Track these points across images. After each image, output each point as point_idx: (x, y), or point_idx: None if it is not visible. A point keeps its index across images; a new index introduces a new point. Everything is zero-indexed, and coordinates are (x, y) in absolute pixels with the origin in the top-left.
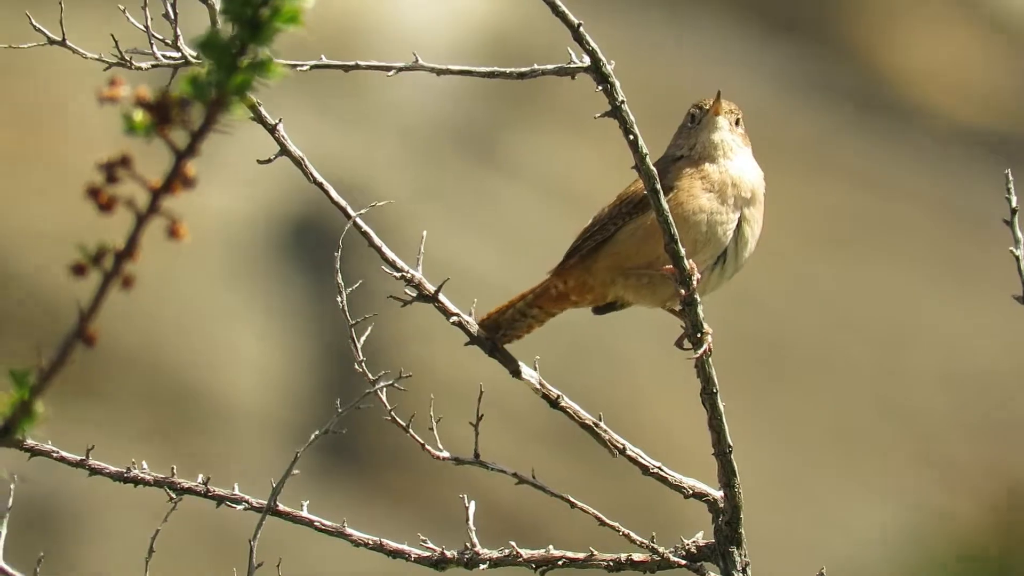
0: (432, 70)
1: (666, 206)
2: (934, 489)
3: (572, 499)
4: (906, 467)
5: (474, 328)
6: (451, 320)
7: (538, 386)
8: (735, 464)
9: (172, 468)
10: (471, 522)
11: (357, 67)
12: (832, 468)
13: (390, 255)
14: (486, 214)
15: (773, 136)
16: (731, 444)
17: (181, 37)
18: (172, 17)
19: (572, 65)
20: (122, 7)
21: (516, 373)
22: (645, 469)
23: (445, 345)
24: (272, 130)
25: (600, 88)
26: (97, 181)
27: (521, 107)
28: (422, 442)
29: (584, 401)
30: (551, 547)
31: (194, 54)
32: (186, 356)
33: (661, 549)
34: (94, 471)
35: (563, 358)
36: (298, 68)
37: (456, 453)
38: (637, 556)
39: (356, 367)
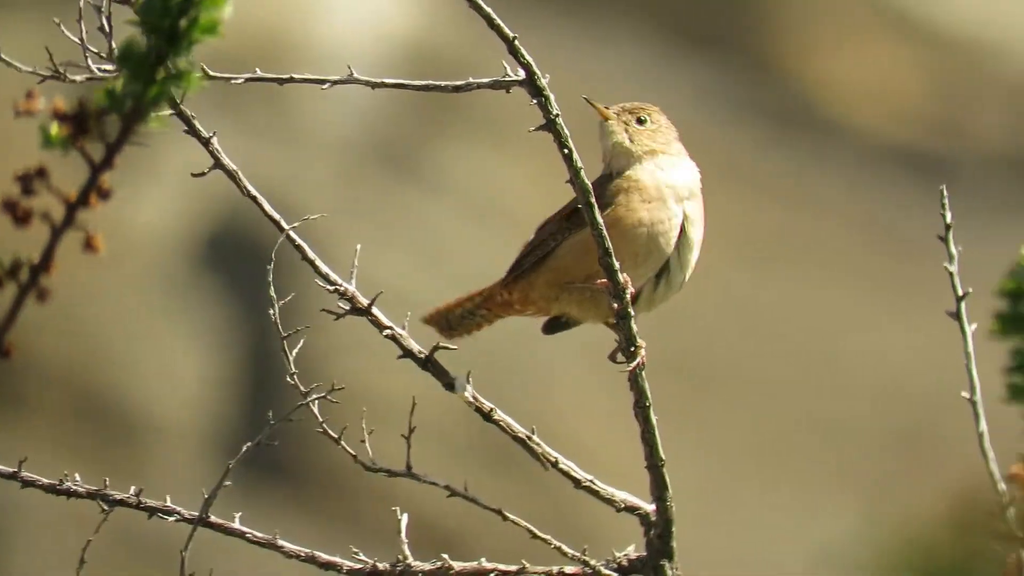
0: (367, 83)
1: (600, 219)
2: (860, 502)
3: (504, 512)
4: (832, 481)
5: (407, 341)
6: (384, 333)
7: (471, 399)
8: (667, 477)
9: (104, 480)
10: (403, 535)
11: (292, 80)
12: (760, 482)
13: (324, 268)
14: (411, 230)
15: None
16: (663, 457)
17: (116, 50)
18: (107, 30)
19: (507, 78)
20: (57, 20)
21: (449, 386)
22: (577, 482)
23: (376, 359)
24: (206, 143)
25: (535, 101)
26: (13, 194)
27: (446, 123)
28: (354, 454)
29: (514, 415)
30: (483, 560)
31: None
32: (113, 370)
33: (593, 562)
34: (27, 483)
35: (495, 372)
36: (232, 81)
37: (388, 466)
38: (569, 569)
39: (288, 379)
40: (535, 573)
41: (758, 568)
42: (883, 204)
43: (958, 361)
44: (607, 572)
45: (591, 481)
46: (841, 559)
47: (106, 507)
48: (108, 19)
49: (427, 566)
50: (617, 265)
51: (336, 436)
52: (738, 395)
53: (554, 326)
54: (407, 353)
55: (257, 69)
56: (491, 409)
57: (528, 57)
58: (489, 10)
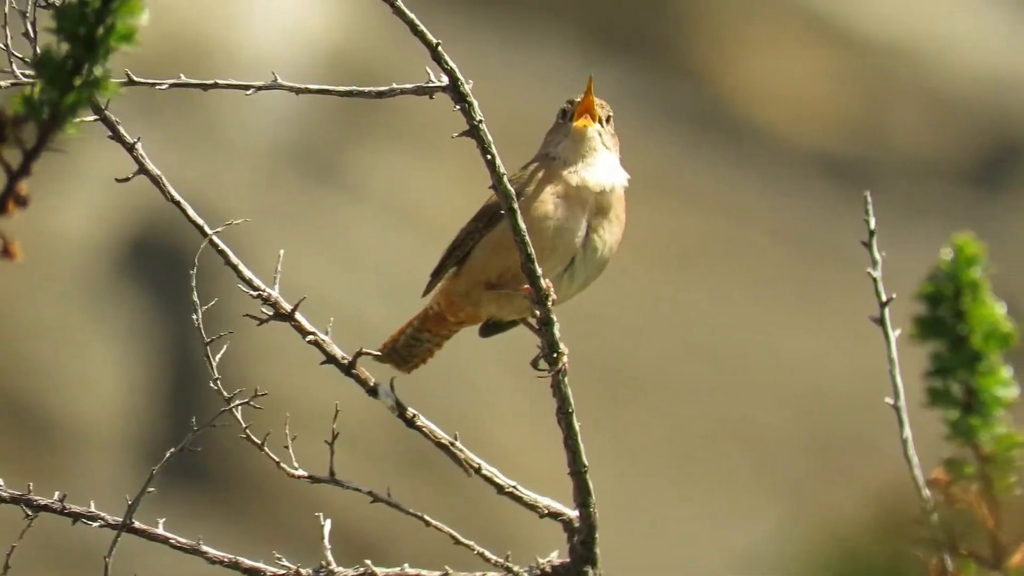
0: (291, 89)
1: (523, 225)
2: (777, 506)
3: (427, 518)
4: (750, 485)
5: (330, 347)
6: (307, 339)
7: (394, 405)
8: (590, 484)
9: (28, 485)
10: (327, 540)
11: (216, 86)
12: (683, 487)
13: (247, 273)
14: (333, 236)
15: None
16: (586, 464)
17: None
18: (32, 36)
19: (430, 84)
20: None
21: (372, 392)
22: (500, 488)
23: (298, 364)
24: (131, 149)
25: (458, 107)
26: None
27: (369, 129)
28: (277, 460)
29: (439, 421)
30: (406, 566)
31: None
32: (36, 376)
33: (516, 568)
34: None
35: (417, 379)
36: (157, 86)
37: (311, 472)
38: (492, 575)
39: (211, 385)
40: None
41: (680, 573)
42: (802, 209)
43: (877, 365)
44: None
45: (514, 487)
46: (759, 563)
47: (30, 512)
48: (33, 25)
49: (350, 572)
50: (540, 271)
51: (259, 442)
52: (660, 400)
53: (490, 328)
54: (330, 359)
55: (182, 75)
56: (414, 415)
57: (451, 63)
58: (412, 16)
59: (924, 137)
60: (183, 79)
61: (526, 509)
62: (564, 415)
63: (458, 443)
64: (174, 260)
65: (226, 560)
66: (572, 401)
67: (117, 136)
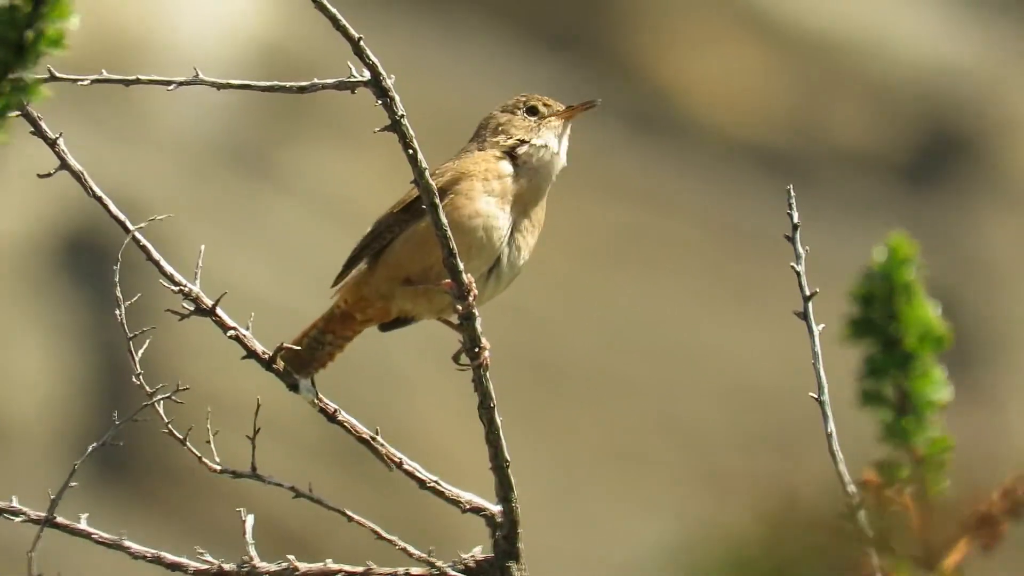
0: (212, 84)
1: (444, 220)
2: (710, 501)
3: (349, 513)
4: (682, 480)
5: (251, 341)
6: (228, 334)
7: (315, 400)
8: (512, 478)
9: None
10: (249, 536)
11: (138, 81)
12: (609, 482)
13: (168, 269)
14: (260, 230)
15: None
16: (508, 459)
17: None
18: None
19: (352, 79)
20: None
21: (293, 387)
22: (422, 483)
23: (222, 360)
24: (52, 144)
25: (380, 102)
26: None
27: (296, 123)
28: (199, 455)
29: (361, 416)
30: (329, 561)
31: None
32: None
33: (439, 563)
34: None
35: (341, 373)
36: (79, 82)
37: (233, 467)
38: (415, 570)
39: (134, 380)
40: (381, 574)
41: (606, 567)
42: (738, 204)
43: (808, 360)
44: (453, 573)
45: (436, 482)
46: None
47: None
48: None
49: (273, 567)
50: (461, 266)
51: (181, 437)
52: (590, 395)
53: (391, 323)
54: (251, 354)
55: (104, 71)
56: (335, 410)
57: (373, 58)
58: (334, 11)
59: (861, 131)
60: (105, 75)
61: (449, 504)
62: (486, 410)
63: (379, 438)
64: (104, 255)
65: (148, 555)
66: (494, 396)
67: (39, 132)
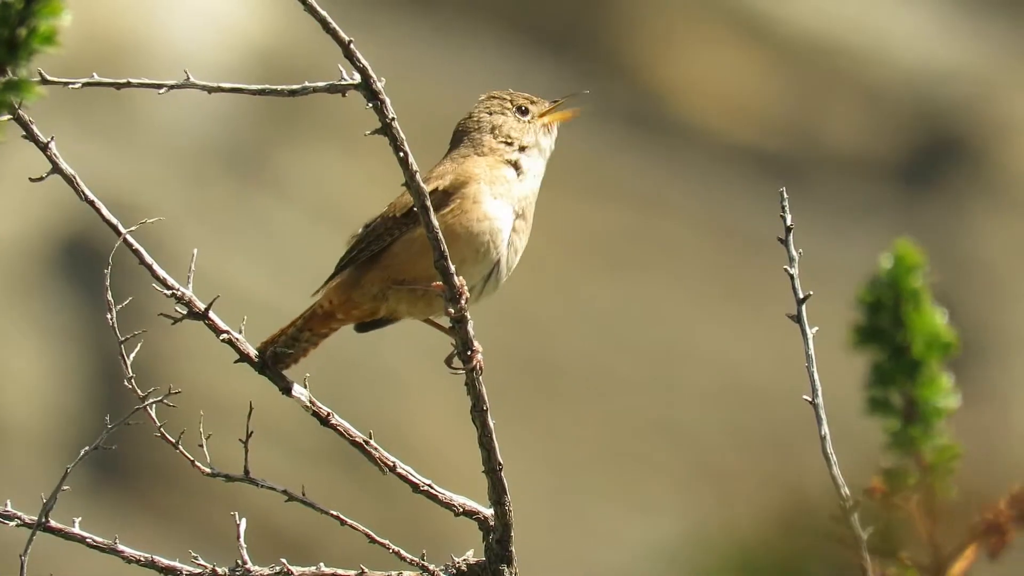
0: (203, 88)
1: (436, 223)
2: (709, 501)
3: (342, 516)
4: (681, 481)
5: (244, 345)
6: (221, 338)
7: (308, 404)
8: (505, 482)
9: None
10: (242, 539)
11: (129, 85)
12: (604, 483)
13: (160, 272)
14: (256, 233)
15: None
16: (501, 462)
17: None
18: None
19: (343, 82)
20: None
21: (286, 391)
22: (415, 487)
23: (216, 363)
24: (44, 148)
25: (370, 105)
26: None
27: (291, 126)
28: (192, 458)
29: (355, 419)
30: (322, 564)
31: None
32: None
33: (431, 567)
34: None
35: (334, 376)
36: (70, 85)
37: (227, 470)
38: (408, 574)
39: (126, 383)
40: None
41: (603, 570)
42: (733, 207)
43: (804, 362)
44: None
45: (429, 485)
46: (670, 560)
47: None
48: None
49: (266, 571)
50: (453, 268)
51: (174, 440)
52: (584, 397)
53: (368, 324)
54: (244, 358)
55: (95, 74)
56: (328, 414)
57: (363, 61)
58: (324, 13)
59: (856, 134)
60: (96, 78)
61: (442, 508)
62: (479, 413)
63: (372, 442)
64: (101, 258)
65: (142, 559)
66: (487, 399)
67: (31, 135)
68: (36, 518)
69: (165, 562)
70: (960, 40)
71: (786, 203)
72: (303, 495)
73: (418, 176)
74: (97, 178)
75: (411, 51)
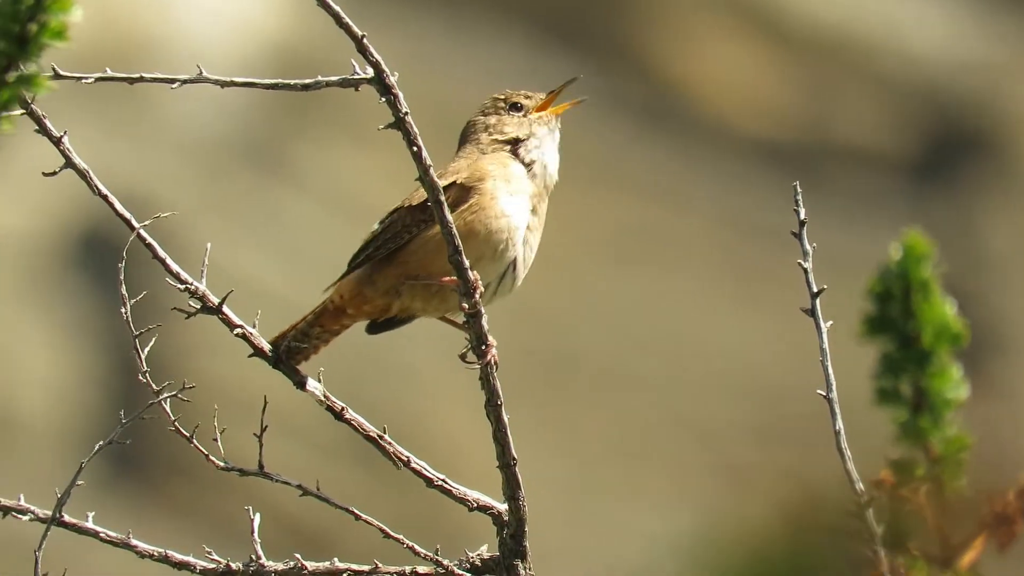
0: (216, 82)
1: (450, 218)
2: (724, 494)
3: (356, 511)
4: (696, 474)
5: (258, 340)
6: (235, 332)
7: (322, 398)
8: (520, 477)
9: None
10: (256, 534)
11: (142, 79)
12: (619, 478)
13: (174, 267)
14: (271, 227)
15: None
16: (516, 457)
17: None
18: None
19: (356, 76)
20: None
21: (300, 385)
22: (429, 481)
23: (230, 357)
24: (57, 142)
25: (384, 100)
26: None
27: (308, 120)
28: (206, 453)
29: (371, 414)
30: (336, 559)
31: None
32: None
33: (445, 562)
34: None
35: (350, 370)
36: (83, 80)
37: (241, 464)
38: (422, 569)
39: (140, 378)
40: (388, 573)
41: (618, 564)
42: (748, 200)
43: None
44: (460, 572)
45: (443, 480)
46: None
47: None
48: None
49: (279, 565)
50: (467, 263)
51: (188, 434)
52: (599, 391)
53: (379, 326)
54: (257, 352)
55: (108, 69)
56: (343, 408)
57: (376, 55)
58: (337, 8)
59: (870, 127)
60: (109, 73)
61: (456, 502)
62: (493, 408)
63: (386, 436)
64: (115, 253)
65: (156, 554)
66: (501, 394)
67: (44, 130)
68: (50, 512)
69: (179, 557)
70: (973, 33)
71: (799, 197)
72: (317, 489)
73: (432, 171)
74: (113, 172)
75: (426, 45)
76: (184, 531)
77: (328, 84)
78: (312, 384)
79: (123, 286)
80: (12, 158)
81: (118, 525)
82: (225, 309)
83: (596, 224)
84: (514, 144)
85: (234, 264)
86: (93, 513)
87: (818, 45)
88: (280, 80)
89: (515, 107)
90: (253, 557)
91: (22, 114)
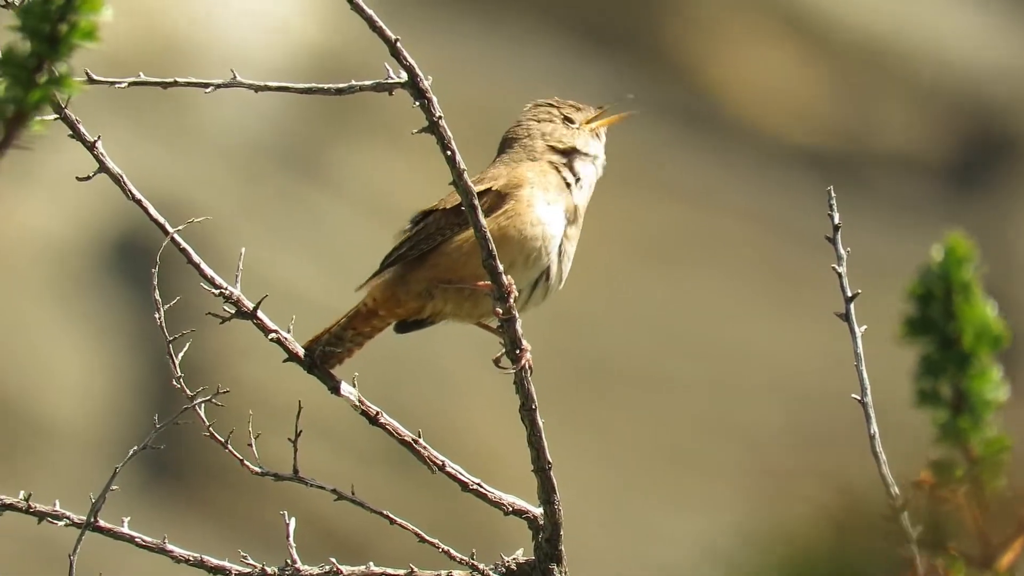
0: (250, 87)
1: (484, 222)
2: (764, 498)
3: (392, 515)
4: (733, 480)
5: (292, 344)
6: (270, 337)
7: (357, 403)
8: (555, 481)
9: None
10: (291, 538)
11: (176, 84)
12: (656, 482)
13: (208, 272)
14: (307, 231)
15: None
16: (551, 461)
17: None
18: None
19: (389, 81)
20: None
21: (335, 390)
22: (464, 486)
23: (265, 362)
24: (91, 147)
25: (417, 104)
26: None
27: (344, 124)
28: (240, 458)
29: (405, 418)
30: (371, 564)
31: None
32: (6, 374)
33: (481, 566)
34: None
35: (384, 375)
36: (116, 85)
37: (276, 469)
38: (457, 573)
39: (174, 383)
40: None
41: (655, 570)
42: (786, 205)
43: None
44: None
45: (478, 484)
46: (722, 559)
47: None
48: None
49: (315, 570)
50: (501, 268)
51: (223, 439)
52: (637, 396)
53: (408, 326)
54: (292, 357)
55: (141, 73)
56: (377, 413)
57: (410, 59)
58: (371, 12)
59: (907, 132)
60: (142, 77)
61: (491, 507)
62: (527, 412)
63: (421, 440)
64: (153, 257)
65: (191, 559)
66: (535, 398)
67: (77, 135)
68: (85, 518)
69: (214, 562)
70: (1010, 38)
71: (834, 201)
72: (352, 494)
73: (466, 175)
74: (149, 177)
75: (461, 49)
76: (219, 536)
77: (362, 88)
78: (346, 388)
79: (156, 291)
80: (47, 162)
81: (153, 530)
82: (260, 314)
83: (633, 227)
84: (570, 154)
85: (269, 268)
86: (128, 518)
87: (856, 50)
88: (314, 84)
89: (567, 120)
90: (288, 561)
91: (56, 119)
